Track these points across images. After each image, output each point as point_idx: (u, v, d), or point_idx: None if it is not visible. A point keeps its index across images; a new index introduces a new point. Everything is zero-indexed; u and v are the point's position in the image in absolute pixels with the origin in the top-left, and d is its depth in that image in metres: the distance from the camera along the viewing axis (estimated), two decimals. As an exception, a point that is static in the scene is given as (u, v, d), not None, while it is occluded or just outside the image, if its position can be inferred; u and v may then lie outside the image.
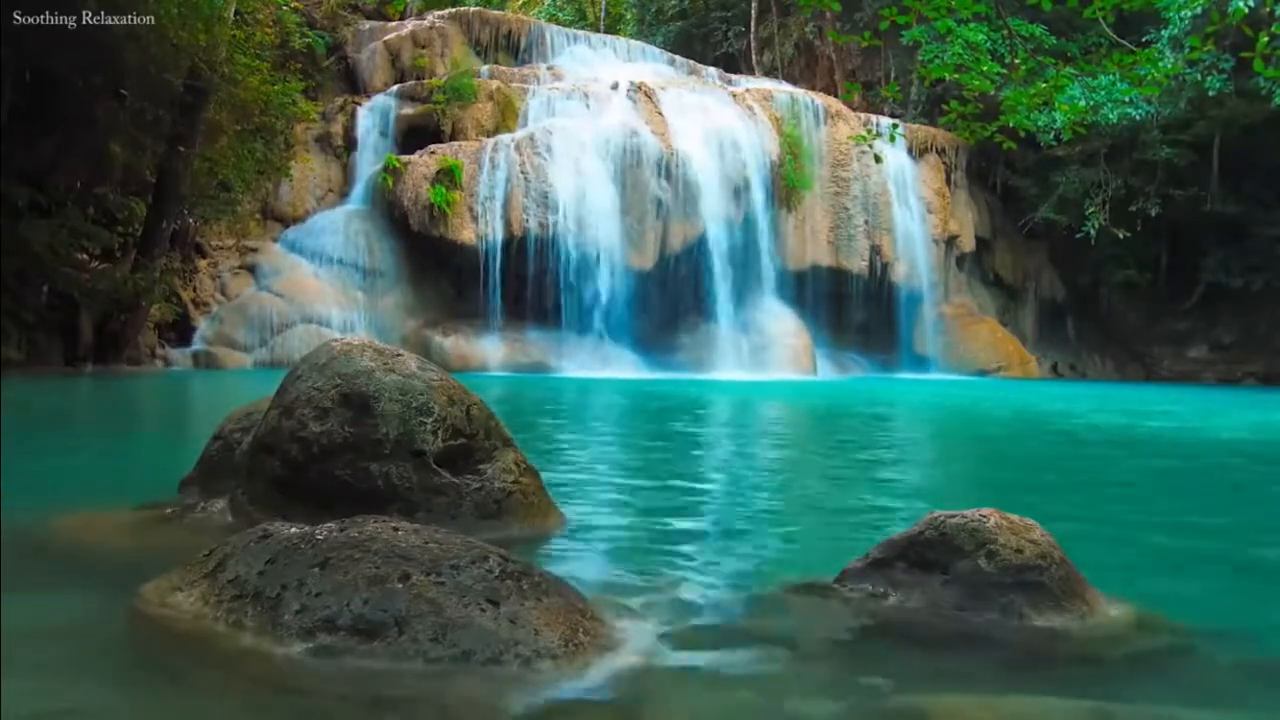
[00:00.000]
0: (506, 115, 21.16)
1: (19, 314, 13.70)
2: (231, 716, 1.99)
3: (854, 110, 24.64)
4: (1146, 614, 2.75)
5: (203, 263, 18.30)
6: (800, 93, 24.43)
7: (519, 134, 20.45)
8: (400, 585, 2.24)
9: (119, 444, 7.29)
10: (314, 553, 2.34)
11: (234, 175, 16.40)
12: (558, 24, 29.19)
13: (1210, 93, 21.54)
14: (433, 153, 19.76)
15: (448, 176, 19.25)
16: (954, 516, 2.77)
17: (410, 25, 23.46)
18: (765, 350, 20.94)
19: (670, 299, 21.21)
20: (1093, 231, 24.04)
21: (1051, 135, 21.57)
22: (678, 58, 26.61)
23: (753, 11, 30.33)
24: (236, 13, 15.79)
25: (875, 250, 23.50)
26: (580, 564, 3.26)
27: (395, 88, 21.66)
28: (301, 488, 3.42)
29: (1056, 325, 27.71)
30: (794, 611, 2.76)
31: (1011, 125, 8.11)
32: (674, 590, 2.94)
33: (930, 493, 5.80)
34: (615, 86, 21.87)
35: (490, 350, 19.03)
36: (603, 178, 20.23)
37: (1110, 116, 21.37)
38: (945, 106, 8.62)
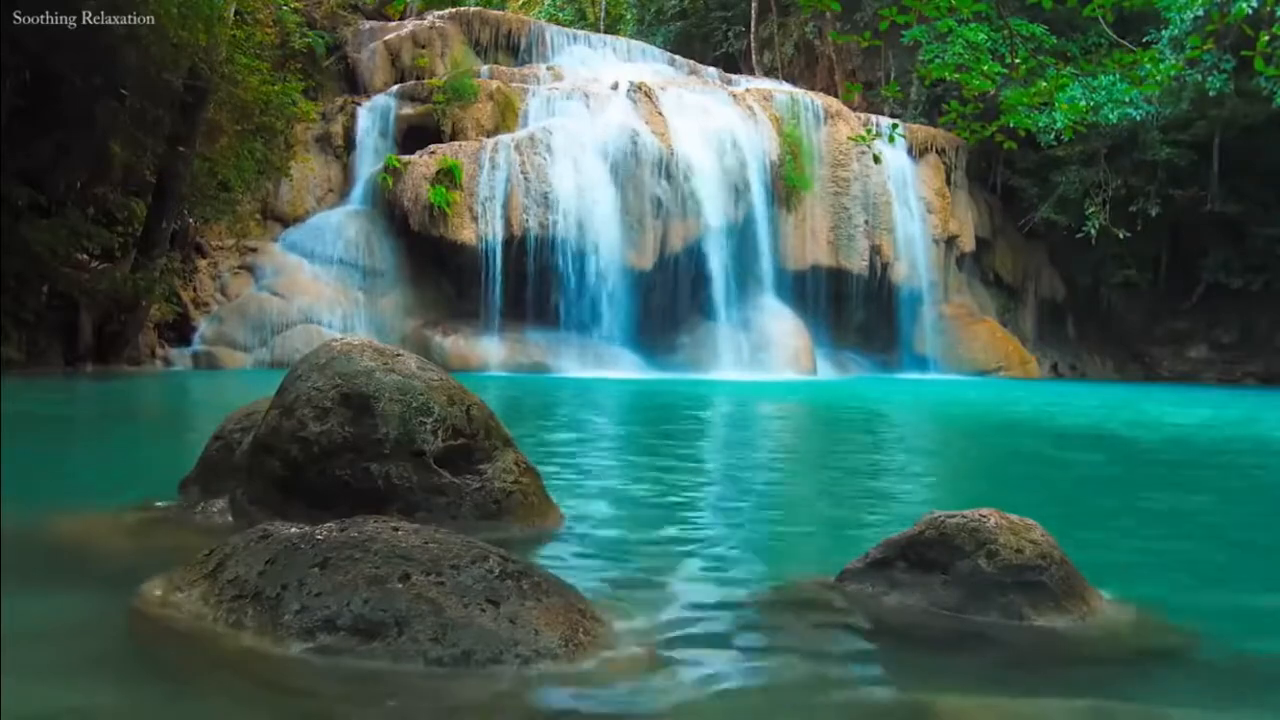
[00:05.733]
0: (506, 115, 21.14)
1: (19, 314, 13.68)
2: (231, 716, 1.99)
3: (854, 110, 24.62)
4: (1146, 614, 2.76)
5: (203, 263, 18.28)
6: (800, 93, 24.40)
7: (519, 134, 20.43)
8: (400, 585, 2.24)
9: (119, 444, 7.29)
10: (314, 553, 2.34)
11: (234, 175, 16.37)
12: (558, 24, 29.16)
13: (1210, 93, 21.53)
14: (433, 153, 19.74)
15: (448, 176, 19.23)
16: (954, 516, 2.77)
17: (410, 25, 23.43)
18: (765, 350, 20.92)
19: (670, 299, 21.19)
20: (1093, 231, 24.03)
21: (1051, 135, 21.55)
22: (678, 58, 26.58)
23: (753, 11, 30.32)
24: (236, 13, 15.76)
25: (875, 250, 23.48)
26: (580, 564, 3.26)
27: (395, 88, 21.63)
28: (301, 488, 3.42)
29: (1056, 325, 27.69)
30: (794, 611, 2.76)
31: (1011, 125, 8.10)
32: (674, 590, 2.94)
33: (930, 493, 5.80)
34: (615, 86, 21.86)
35: (490, 350, 19.02)
36: (602, 178, 20.21)
37: (1110, 116, 21.35)
38: (945, 106, 8.62)
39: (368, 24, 23.19)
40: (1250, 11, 14.97)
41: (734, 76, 26.11)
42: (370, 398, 3.45)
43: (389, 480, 3.39)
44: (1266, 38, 6.87)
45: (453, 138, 20.42)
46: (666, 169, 20.70)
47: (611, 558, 3.43)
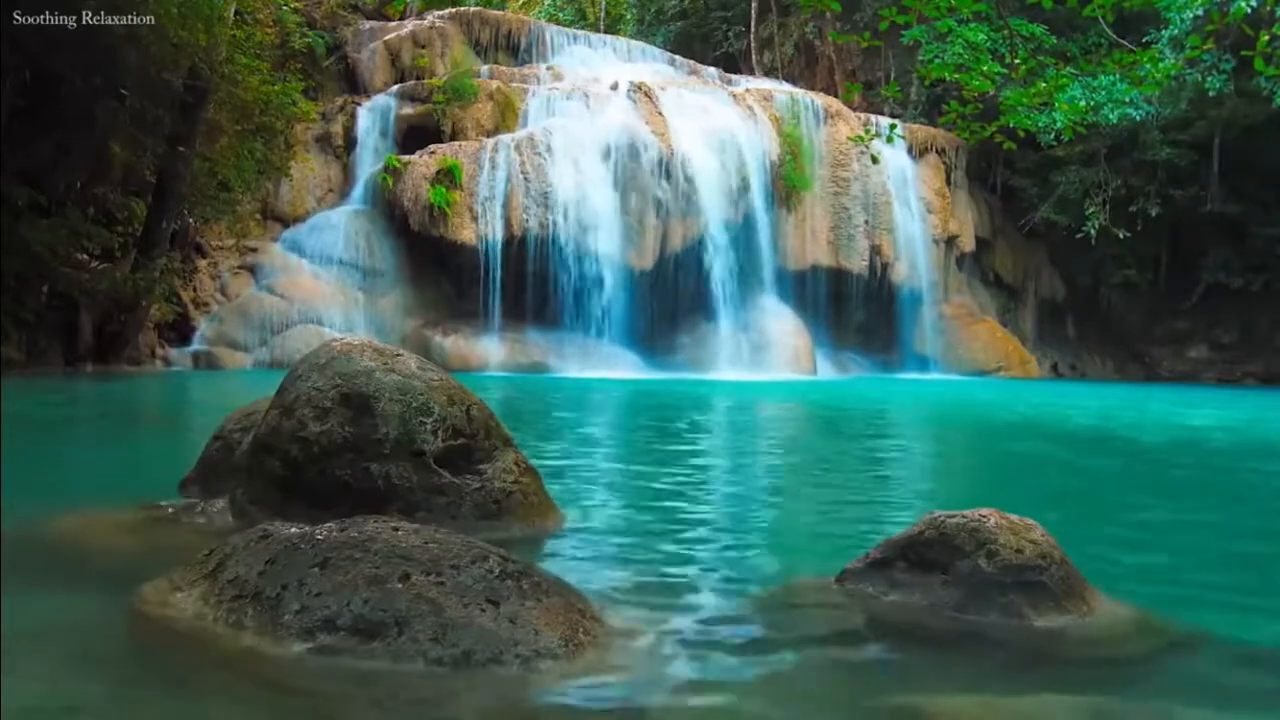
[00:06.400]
0: (506, 115, 21.14)
1: (19, 314, 13.68)
2: (231, 716, 1.99)
3: (854, 110, 24.62)
4: (1146, 614, 2.76)
5: (203, 263, 18.28)
6: (800, 93, 24.39)
7: (519, 134, 20.43)
8: (400, 585, 2.24)
9: (119, 444, 7.29)
10: (314, 553, 2.34)
11: (234, 175, 16.36)
12: (558, 24, 29.16)
13: (1210, 93, 21.52)
14: (433, 153, 19.74)
15: (448, 176, 19.23)
16: (954, 516, 2.77)
17: (410, 25, 23.43)
18: (765, 350, 20.91)
19: (670, 299, 21.18)
20: (1093, 231, 24.02)
21: (1051, 135, 21.54)
22: (678, 58, 26.57)
23: (753, 11, 30.31)
24: (236, 13, 15.76)
25: (875, 250, 23.48)
26: (580, 564, 3.26)
27: (395, 88, 21.63)
28: (301, 488, 3.42)
29: (1056, 325, 27.69)
30: (794, 611, 2.76)
31: (1011, 125, 8.10)
32: (674, 590, 2.94)
33: (930, 493, 5.80)
34: (615, 86, 21.85)
35: (490, 350, 19.02)
36: (602, 178, 20.21)
37: (1110, 116, 21.34)
38: (945, 106, 8.61)
39: (368, 24, 23.18)
40: (1250, 11, 14.97)
41: (734, 76, 26.10)
42: (370, 398, 3.45)
43: (389, 480, 3.39)
44: (1266, 38, 6.86)
45: (453, 138, 20.41)
46: (666, 169, 20.69)
47: (611, 558, 3.43)
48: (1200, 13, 18.76)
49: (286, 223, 19.88)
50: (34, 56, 12.71)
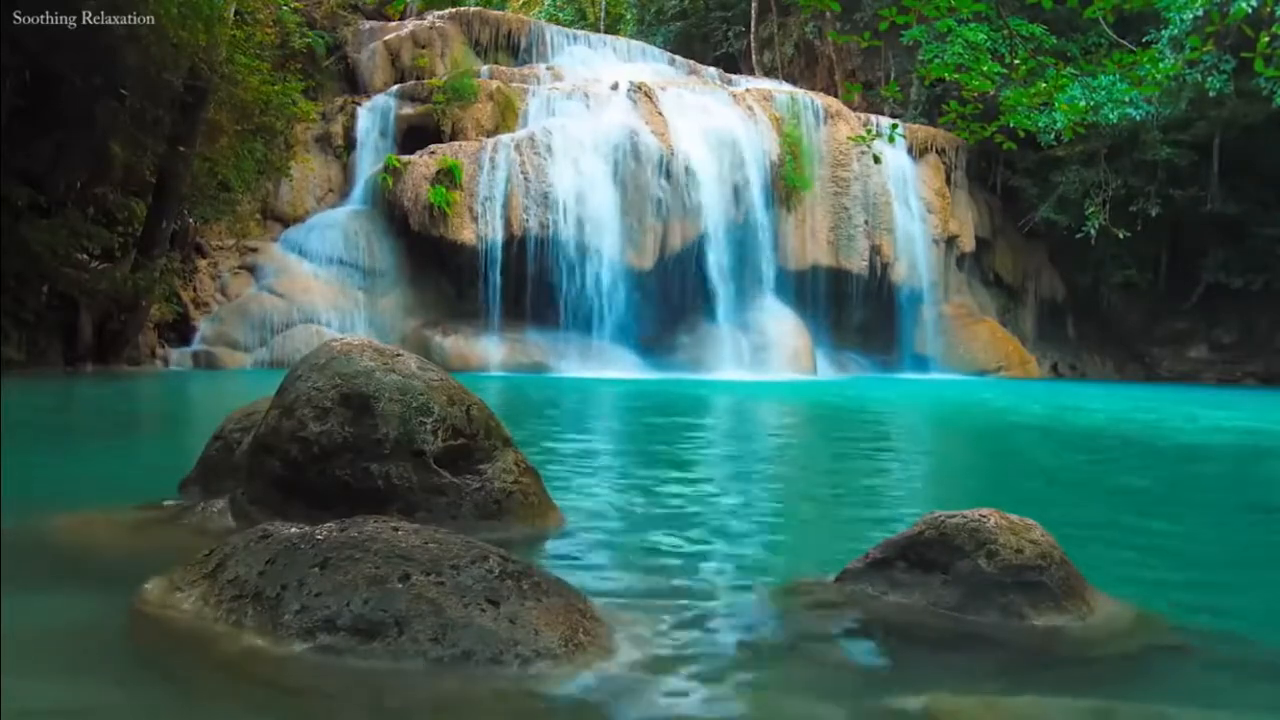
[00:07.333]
0: (506, 115, 21.14)
1: (19, 314, 13.68)
2: (231, 716, 1.99)
3: (854, 110, 24.62)
4: (1146, 614, 2.76)
5: (203, 263, 18.28)
6: (800, 93, 24.39)
7: (519, 134, 20.43)
8: (400, 585, 2.24)
9: (119, 444, 7.29)
10: (314, 553, 2.34)
11: (234, 175, 16.37)
12: (558, 24, 29.16)
13: (1211, 93, 21.52)
14: (433, 153, 19.74)
15: (448, 176, 19.24)
16: (954, 516, 2.77)
17: (410, 25, 23.44)
18: (765, 350, 20.91)
19: (670, 299, 21.18)
20: (1093, 231, 24.02)
21: (1051, 135, 21.53)
22: (678, 58, 26.58)
23: (753, 11, 30.32)
24: (236, 13, 15.76)
25: (875, 250, 23.48)
26: (580, 564, 3.26)
27: (395, 88, 21.63)
28: (301, 488, 3.42)
29: (1056, 325, 27.69)
30: (794, 611, 2.76)
31: (1011, 125, 8.10)
32: (673, 590, 2.94)
33: (930, 493, 5.80)
34: (615, 86, 21.85)
35: (490, 350, 19.02)
36: (603, 178, 20.21)
37: (1110, 116, 21.33)
38: (945, 106, 8.61)
39: (368, 24, 23.19)
40: (1250, 11, 14.97)
41: (734, 76, 26.10)
42: (370, 398, 3.45)
43: (389, 480, 3.39)
44: (1266, 38, 6.86)
45: (453, 138, 20.42)
46: (666, 169, 20.69)
47: (611, 558, 3.43)
48: (1200, 13, 18.74)
49: (286, 223, 19.88)
50: (34, 56, 12.71)
